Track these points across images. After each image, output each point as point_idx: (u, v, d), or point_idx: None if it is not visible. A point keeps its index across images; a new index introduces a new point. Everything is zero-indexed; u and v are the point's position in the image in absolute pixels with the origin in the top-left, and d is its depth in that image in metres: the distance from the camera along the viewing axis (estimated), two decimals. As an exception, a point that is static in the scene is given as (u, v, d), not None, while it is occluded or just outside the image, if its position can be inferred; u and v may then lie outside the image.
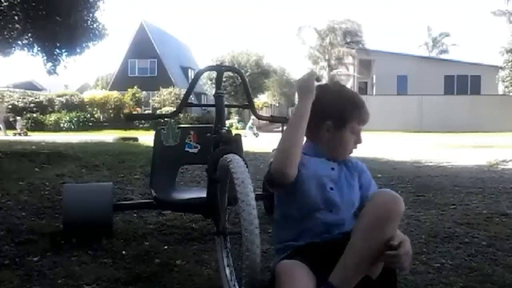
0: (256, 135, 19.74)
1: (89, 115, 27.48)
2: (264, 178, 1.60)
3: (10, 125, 21.44)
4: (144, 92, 30.68)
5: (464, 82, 27.54)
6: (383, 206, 1.37)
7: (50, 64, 10.46)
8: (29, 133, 21.39)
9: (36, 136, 17.82)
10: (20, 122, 21.99)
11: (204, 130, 2.92)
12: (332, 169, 1.62)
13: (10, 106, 26.74)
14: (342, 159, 1.66)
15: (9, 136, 18.96)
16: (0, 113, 20.97)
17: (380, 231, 1.36)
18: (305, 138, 1.61)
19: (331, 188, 1.58)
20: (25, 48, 10.11)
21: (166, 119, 2.71)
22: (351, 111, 1.61)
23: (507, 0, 25.07)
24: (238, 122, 27.72)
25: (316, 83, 1.60)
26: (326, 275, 1.39)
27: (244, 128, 22.28)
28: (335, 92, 1.65)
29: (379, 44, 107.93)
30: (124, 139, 13.83)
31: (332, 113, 1.60)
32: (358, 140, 1.65)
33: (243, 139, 2.91)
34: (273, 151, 1.67)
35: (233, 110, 26.91)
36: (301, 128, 1.52)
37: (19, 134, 20.22)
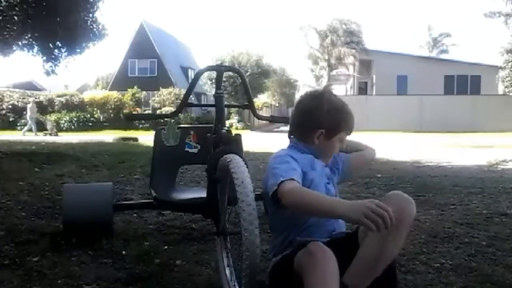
0: None
1: (89, 115, 27.42)
2: (267, 194, 1.55)
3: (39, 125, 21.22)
4: (144, 92, 30.63)
5: (464, 82, 27.53)
6: (396, 209, 1.34)
7: (49, 64, 10.44)
8: (73, 133, 20.61)
9: (66, 136, 17.76)
10: (50, 122, 21.54)
11: (204, 130, 2.92)
12: (325, 165, 1.75)
13: (10, 106, 26.73)
14: (325, 163, 1.76)
15: (39, 136, 18.68)
16: (32, 113, 20.63)
17: (394, 234, 1.38)
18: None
19: (327, 183, 1.70)
20: (25, 49, 10.09)
21: (166, 119, 2.70)
22: (343, 123, 1.71)
23: (506, 1, 25.05)
24: (238, 122, 27.68)
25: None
26: None
27: (246, 128, 22.12)
28: (331, 103, 1.71)
29: (379, 44, 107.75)
30: (124, 139, 13.83)
31: (326, 124, 1.68)
32: (342, 147, 1.77)
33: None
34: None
35: (233, 110, 26.86)
36: (322, 214, 1.48)
37: (50, 134, 19.85)
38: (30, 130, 20.20)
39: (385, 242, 1.38)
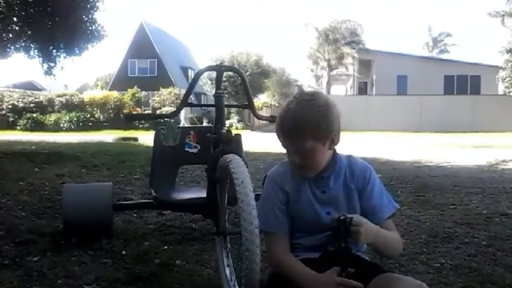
0: None
1: (89, 115, 27.46)
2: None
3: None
4: (144, 92, 30.65)
5: (464, 82, 27.54)
6: None
7: (47, 65, 10.41)
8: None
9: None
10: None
11: (204, 130, 2.92)
12: (323, 192, 1.52)
13: (10, 106, 26.73)
14: (306, 175, 1.52)
15: None
16: (185, 115, 18.88)
17: None
18: None
19: (328, 213, 1.49)
20: (23, 50, 10.04)
21: (166, 119, 2.71)
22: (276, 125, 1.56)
23: (507, 1, 25.03)
24: (238, 122, 27.66)
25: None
26: None
27: (246, 128, 21.80)
28: None
29: (379, 44, 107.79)
30: (124, 139, 13.82)
31: None
32: (290, 158, 1.51)
33: None
34: None
35: (233, 110, 26.84)
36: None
37: None
38: None
39: None
